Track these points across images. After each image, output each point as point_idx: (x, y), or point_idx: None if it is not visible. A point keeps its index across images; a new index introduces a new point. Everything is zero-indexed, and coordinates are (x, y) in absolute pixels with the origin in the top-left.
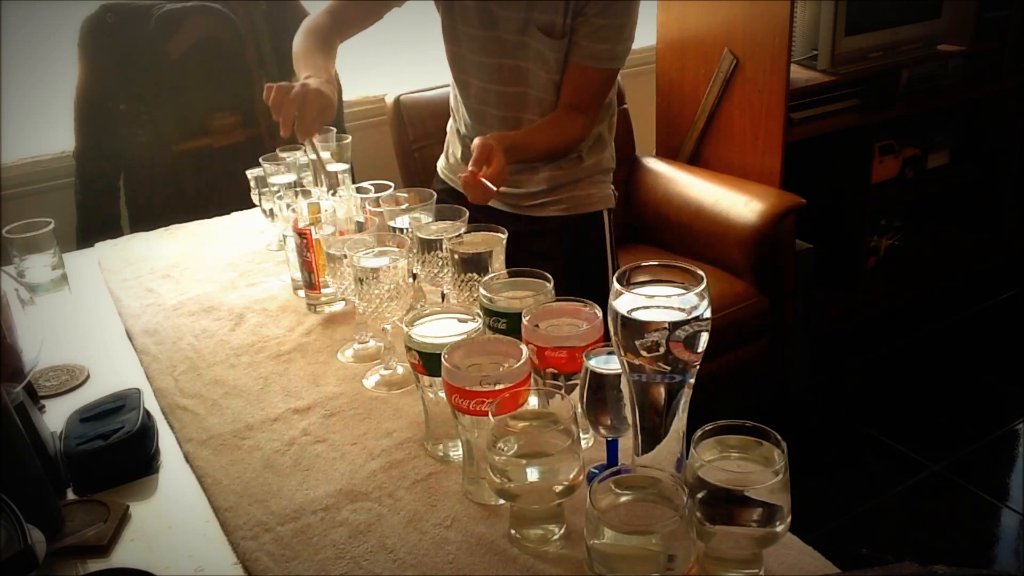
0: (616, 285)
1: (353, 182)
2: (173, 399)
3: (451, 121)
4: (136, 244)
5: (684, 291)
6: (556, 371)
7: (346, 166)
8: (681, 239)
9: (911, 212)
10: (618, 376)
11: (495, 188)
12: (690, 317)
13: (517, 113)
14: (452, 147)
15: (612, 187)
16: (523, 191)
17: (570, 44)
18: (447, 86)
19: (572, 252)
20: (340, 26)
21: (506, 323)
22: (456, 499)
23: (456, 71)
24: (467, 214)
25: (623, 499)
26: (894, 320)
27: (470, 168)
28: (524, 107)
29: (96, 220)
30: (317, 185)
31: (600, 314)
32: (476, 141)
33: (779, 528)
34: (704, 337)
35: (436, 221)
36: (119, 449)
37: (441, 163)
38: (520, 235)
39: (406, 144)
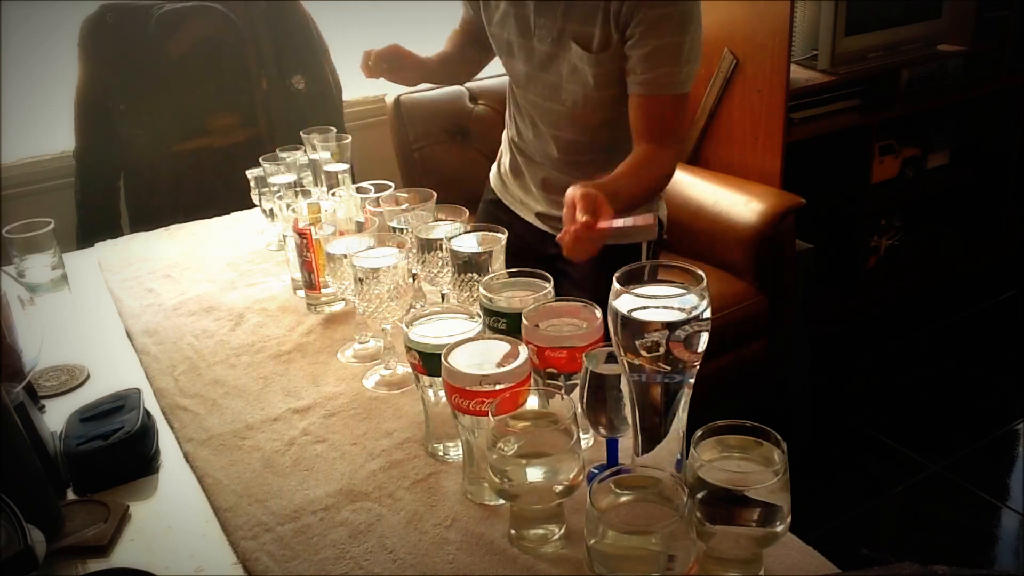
0: (616, 285)
1: (353, 182)
2: (173, 399)
3: (506, 131)
4: (136, 244)
5: (684, 291)
6: (556, 371)
7: (346, 166)
8: (681, 239)
9: (911, 212)
10: (618, 376)
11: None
12: (690, 317)
13: (554, 131)
14: (504, 156)
15: (660, 216)
16: (559, 214)
17: (627, 73)
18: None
19: (603, 283)
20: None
21: (506, 323)
22: (456, 499)
23: (508, 74)
24: (467, 214)
25: (623, 499)
26: (894, 320)
27: (583, 219)
28: (558, 125)
29: (96, 220)
30: (317, 185)
31: (600, 314)
32: (569, 192)
33: (779, 528)
34: (704, 337)
35: (436, 221)
36: (119, 449)
37: (492, 171)
38: (559, 257)
39: (406, 144)
